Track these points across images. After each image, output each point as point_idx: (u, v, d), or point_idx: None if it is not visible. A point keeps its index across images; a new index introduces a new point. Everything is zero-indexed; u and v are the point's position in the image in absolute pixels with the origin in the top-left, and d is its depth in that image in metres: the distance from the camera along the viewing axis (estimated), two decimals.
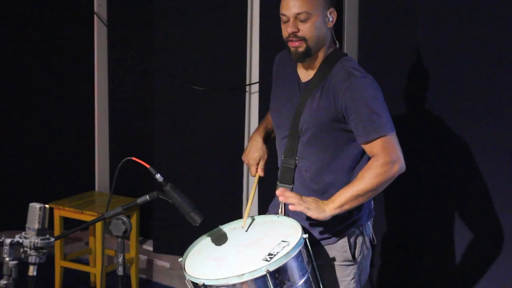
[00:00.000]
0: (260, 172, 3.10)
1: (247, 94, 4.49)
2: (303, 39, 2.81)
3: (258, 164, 3.10)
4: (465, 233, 3.63)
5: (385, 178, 2.76)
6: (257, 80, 4.38)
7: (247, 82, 4.47)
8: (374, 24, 3.88)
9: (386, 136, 2.76)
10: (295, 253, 2.62)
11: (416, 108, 3.76)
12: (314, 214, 2.73)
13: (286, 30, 2.83)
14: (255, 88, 4.43)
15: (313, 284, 2.72)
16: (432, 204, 3.75)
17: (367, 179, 2.74)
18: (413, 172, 3.67)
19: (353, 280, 2.93)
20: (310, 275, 2.71)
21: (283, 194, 2.77)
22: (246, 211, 2.96)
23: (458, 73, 3.58)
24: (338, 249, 2.92)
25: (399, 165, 2.77)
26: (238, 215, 4.47)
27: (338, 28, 3.84)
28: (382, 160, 2.74)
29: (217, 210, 4.47)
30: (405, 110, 3.78)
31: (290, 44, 2.84)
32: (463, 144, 3.58)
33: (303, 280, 2.66)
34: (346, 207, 2.76)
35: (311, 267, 2.73)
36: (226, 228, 2.91)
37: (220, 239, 2.84)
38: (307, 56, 2.85)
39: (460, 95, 3.58)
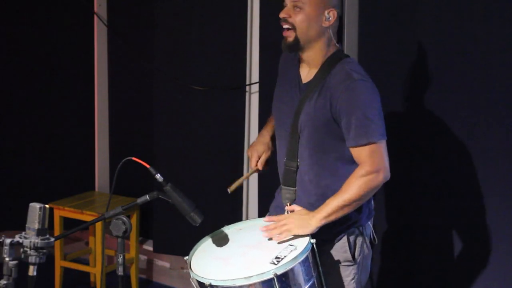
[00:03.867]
0: (259, 166, 3.11)
1: (247, 94, 4.49)
2: (293, 27, 2.83)
3: (259, 158, 3.12)
4: (465, 233, 3.63)
5: (369, 187, 2.76)
6: (257, 80, 4.38)
7: (247, 82, 4.47)
8: (374, 24, 3.88)
9: (375, 144, 2.75)
10: (303, 257, 2.63)
11: (416, 108, 3.76)
12: (299, 231, 2.75)
13: (280, 15, 2.87)
14: (255, 88, 4.43)
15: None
16: (433, 204, 3.74)
17: (352, 189, 2.75)
18: (413, 172, 3.69)
19: (353, 280, 2.93)
20: (315, 280, 2.71)
21: (267, 231, 2.80)
22: (236, 181, 3.08)
23: (458, 73, 3.58)
24: (338, 249, 2.92)
25: (384, 174, 2.77)
26: (238, 214, 4.48)
27: (338, 27, 3.84)
28: (368, 169, 2.75)
29: (217, 210, 4.47)
30: (404, 110, 3.78)
31: (283, 33, 2.87)
32: (463, 144, 3.58)
33: (308, 285, 2.67)
34: (332, 217, 2.77)
35: (317, 272, 2.73)
36: (233, 228, 2.92)
37: (225, 239, 2.85)
38: (294, 47, 2.86)
39: (460, 95, 3.58)
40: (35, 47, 5.20)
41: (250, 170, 3.16)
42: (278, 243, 2.76)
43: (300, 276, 2.64)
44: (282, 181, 2.99)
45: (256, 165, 3.12)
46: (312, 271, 2.70)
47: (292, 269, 2.59)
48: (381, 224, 3.86)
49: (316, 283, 2.71)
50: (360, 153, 2.77)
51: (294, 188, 2.94)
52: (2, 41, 5.12)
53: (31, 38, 5.17)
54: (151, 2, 4.82)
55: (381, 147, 2.77)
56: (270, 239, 2.78)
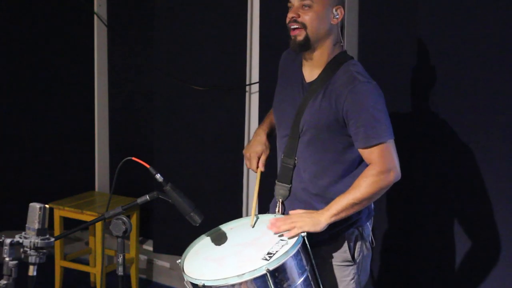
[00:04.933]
0: (261, 167, 3.10)
1: (247, 94, 4.50)
2: (303, 26, 2.82)
3: (259, 158, 3.11)
4: (465, 233, 3.63)
5: (380, 187, 2.77)
6: (257, 80, 4.38)
7: (247, 82, 4.47)
8: (374, 23, 3.88)
9: (385, 143, 2.76)
10: (294, 251, 2.63)
11: (417, 108, 3.76)
12: (310, 229, 2.74)
13: (288, 16, 2.86)
14: (255, 88, 4.44)
15: (312, 283, 2.72)
16: (433, 205, 3.74)
17: (363, 188, 2.75)
18: (413, 172, 3.68)
19: (352, 281, 2.93)
20: (309, 274, 2.71)
21: (274, 225, 2.77)
22: (253, 208, 2.97)
23: (458, 73, 3.58)
24: (337, 249, 2.92)
25: (395, 174, 2.78)
26: (238, 215, 4.48)
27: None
28: (378, 169, 2.75)
29: (217, 209, 4.47)
30: (405, 110, 3.78)
31: (291, 33, 2.86)
32: (464, 144, 3.57)
33: (302, 279, 2.66)
34: (343, 214, 2.77)
35: (310, 265, 2.73)
36: (224, 228, 2.91)
37: (218, 239, 2.84)
38: (305, 46, 2.85)
39: (460, 95, 3.58)
40: (34, 47, 5.20)
41: (257, 177, 3.10)
42: (272, 238, 2.75)
43: (293, 270, 2.64)
44: (278, 177, 3.00)
45: (258, 166, 3.11)
46: (305, 265, 2.70)
47: (284, 264, 2.59)
48: (381, 224, 3.86)
49: (310, 276, 2.72)
50: (370, 154, 2.77)
51: (289, 185, 2.94)
52: (1, 41, 5.12)
53: (31, 38, 5.17)
54: (151, 2, 4.83)
55: (391, 146, 2.78)
56: (281, 235, 2.76)
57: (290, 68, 3.04)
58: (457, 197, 3.66)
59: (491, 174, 3.52)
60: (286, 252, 2.60)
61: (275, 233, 2.76)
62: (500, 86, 3.47)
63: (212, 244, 2.83)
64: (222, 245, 2.82)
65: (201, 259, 2.75)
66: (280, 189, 2.97)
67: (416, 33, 3.69)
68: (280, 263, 2.58)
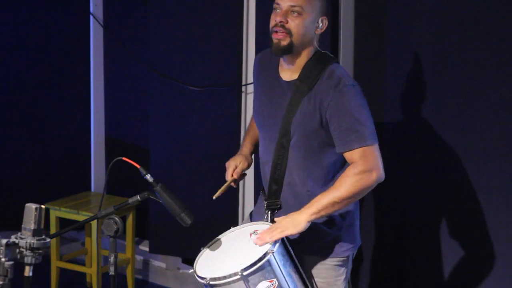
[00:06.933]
0: (235, 175, 3.08)
1: (243, 94, 4.50)
2: (289, 32, 2.79)
3: (236, 167, 3.08)
4: (463, 233, 3.64)
5: (362, 186, 2.73)
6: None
7: (243, 82, 4.47)
8: (370, 24, 3.88)
9: (367, 147, 2.73)
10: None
11: (414, 109, 3.76)
12: (292, 231, 2.72)
13: (275, 19, 2.81)
14: (251, 88, 4.43)
15: (298, 279, 2.76)
16: (431, 204, 3.75)
17: (344, 187, 2.72)
18: (411, 172, 3.69)
19: (344, 280, 2.94)
20: (293, 272, 2.76)
21: (259, 239, 2.75)
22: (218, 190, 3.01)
23: (456, 74, 3.58)
24: (338, 249, 2.93)
25: (377, 174, 2.74)
26: (234, 215, 4.48)
27: (334, 28, 3.85)
28: (360, 168, 2.72)
29: (213, 210, 4.47)
30: (402, 110, 3.78)
31: (274, 36, 2.81)
32: (462, 144, 3.58)
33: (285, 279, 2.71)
34: (322, 213, 2.74)
35: (293, 264, 2.77)
36: (249, 227, 2.93)
37: (235, 239, 2.88)
38: (287, 51, 2.82)
39: (458, 96, 3.59)
40: (30, 48, 5.19)
41: (227, 182, 3.10)
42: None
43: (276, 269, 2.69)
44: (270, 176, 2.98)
45: (232, 175, 3.08)
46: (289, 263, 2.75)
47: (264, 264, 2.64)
48: (379, 224, 3.86)
49: (294, 275, 2.76)
50: (352, 155, 2.75)
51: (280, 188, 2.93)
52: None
53: (27, 38, 5.17)
54: (147, 3, 4.82)
55: (374, 149, 2.75)
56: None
57: (265, 69, 3.00)
58: (454, 198, 3.67)
59: (488, 175, 3.53)
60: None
61: (261, 245, 2.74)
62: (499, 87, 3.48)
63: (224, 246, 2.85)
64: (237, 245, 2.85)
65: (212, 257, 2.80)
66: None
67: (413, 34, 3.70)
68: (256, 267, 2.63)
